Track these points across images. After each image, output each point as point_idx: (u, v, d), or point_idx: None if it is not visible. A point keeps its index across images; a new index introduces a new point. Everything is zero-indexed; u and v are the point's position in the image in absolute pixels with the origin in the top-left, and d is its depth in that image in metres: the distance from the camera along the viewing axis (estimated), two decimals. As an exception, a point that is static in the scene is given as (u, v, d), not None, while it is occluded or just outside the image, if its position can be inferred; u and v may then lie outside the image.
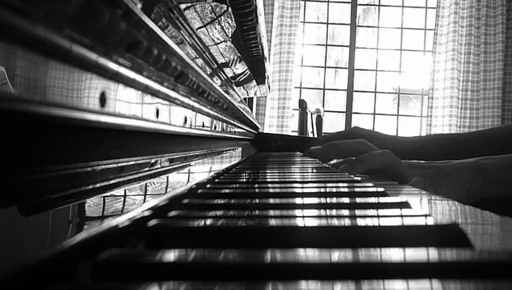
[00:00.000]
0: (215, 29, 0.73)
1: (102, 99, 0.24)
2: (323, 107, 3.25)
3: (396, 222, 0.26)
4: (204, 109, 0.56)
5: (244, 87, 1.37)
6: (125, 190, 0.30)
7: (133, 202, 0.30)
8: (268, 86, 1.78)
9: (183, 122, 0.46)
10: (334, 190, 0.44)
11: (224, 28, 0.79)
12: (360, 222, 0.26)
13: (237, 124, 1.00)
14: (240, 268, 0.18)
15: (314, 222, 0.26)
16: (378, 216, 0.28)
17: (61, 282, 0.17)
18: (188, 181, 0.48)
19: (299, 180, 0.55)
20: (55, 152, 0.22)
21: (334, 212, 0.30)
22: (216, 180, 0.55)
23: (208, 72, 0.66)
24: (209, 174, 0.57)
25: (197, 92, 0.50)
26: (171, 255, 0.19)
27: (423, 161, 0.75)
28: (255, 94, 1.84)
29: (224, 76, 0.87)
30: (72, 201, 0.23)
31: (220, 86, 0.68)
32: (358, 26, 4.69)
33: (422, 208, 0.39)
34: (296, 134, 2.82)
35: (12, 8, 0.15)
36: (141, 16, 0.28)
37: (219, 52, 0.80)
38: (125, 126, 0.29)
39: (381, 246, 0.20)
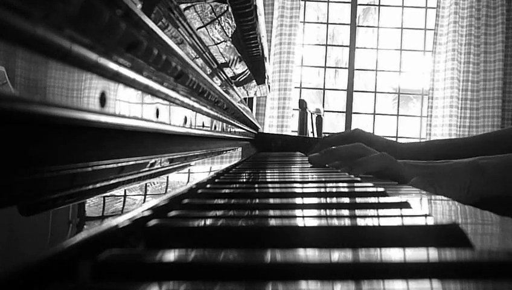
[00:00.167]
0: (215, 29, 0.73)
1: (102, 99, 0.24)
2: (323, 107, 3.25)
3: (396, 222, 0.26)
4: (204, 109, 0.56)
5: (244, 87, 1.37)
6: (125, 190, 0.30)
7: (133, 202, 0.30)
8: (268, 86, 1.78)
9: (183, 122, 0.46)
10: (334, 190, 0.44)
11: (224, 28, 0.79)
12: (360, 222, 0.26)
13: (237, 124, 1.00)
14: (240, 268, 0.18)
15: (314, 222, 0.26)
16: (378, 216, 0.28)
17: (61, 282, 0.17)
18: (188, 181, 0.48)
19: (299, 180, 0.55)
20: (55, 152, 0.22)
21: (334, 212, 0.30)
22: (216, 180, 0.55)
23: (208, 72, 0.66)
24: (209, 174, 0.57)
25: (197, 92, 0.50)
26: (171, 255, 0.19)
27: (421, 161, 0.76)
28: (255, 94, 1.84)
29: (224, 76, 0.87)
30: (72, 201, 0.23)
31: (220, 86, 0.68)
32: (358, 26, 4.69)
33: (422, 208, 0.39)
34: (296, 134, 2.82)
35: (12, 8, 0.15)
36: (141, 16, 0.28)
37: (219, 52, 0.80)
38: (125, 126, 0.29)
39: (381, 246, 0.20)
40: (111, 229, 0.23)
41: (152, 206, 0.30)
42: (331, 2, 3.81)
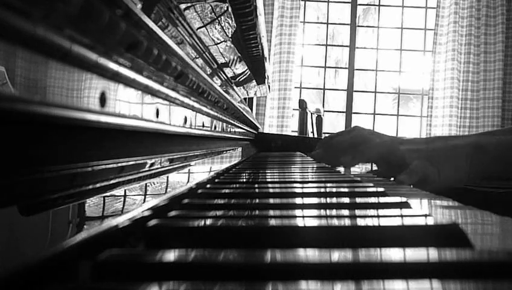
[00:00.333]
0: (215, 29, 0.73)
1: (102, 99, 0.24)
2: (323, 107, 3.26)
3: (396, 222, 0.26)
4: (204, 109, 0.56)
5: (244, 87, 1.37)
6: (125, 190, 0.30)
7: (133, 202, 0.30)
8: (268, 86, 1.78)
9: (183, 122, 0.46)
10: (334, 190, 0.44)
11: (224, 28, 0.79)
12: (360, 222, 0.26)
13: (237, 124, 1.00)
14: (240, 268, 0.18)
15: (314, 222, 0.26)
16: (378, 216, 0.28)
17: (61, 282, 0.17)
18: (188, 181, 0.48)
19: (299, 180, 0.55)
20: (55, 152, 0.22)
21: (334, 212, 0.30)
22: (216, 180, 0.55)
23: (208, 72, 0.66)
24: (209, 174, 0.57)
25: (197, 92, 0.50)
26: (171, 255, 0.19)
27: (420, 138, 0.75)
28: (255, 94, 1.84)
29: (224, 76, 0.87)
30: (72, 201, 0.23)
31: (220, 86, 0.68)
32: (358, 26, 4.69)
33: (422, 208, 0.39)
34: (296, 134, 2.82)
35: (12, 8, 0.15)
36: (141, 16, 0.28)
37: (219, 52, 0.80)
38: (125, 126, 0.29)
39: (381, 246, 0.20)
40: (111, 229, 0.23)
41: (152, 206, 0.30)
42: (331, 2, 3.81)
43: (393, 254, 0.18)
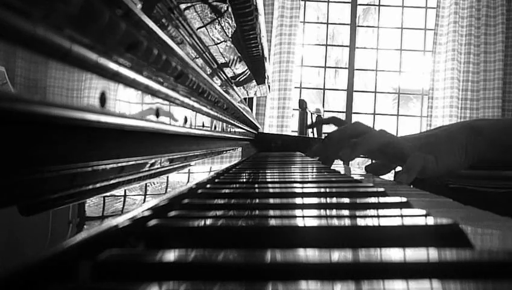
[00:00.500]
0: (215, 29, 0.73)
1: (102, 99, 0.24)
2: (323, 107, 3.26)
3: (396, 221, 0.26)
4: (204, 109, 0.56)
5: (244, 87, 1.37)
6: (125, 190, 0.30)
7: (133, 202, 0.30)
8: (268, 86, 1.78)
9: (183, 122, 0.46)
10: (334, 190, 0.44)
11: (224, 28, 0.79)
12: (360, 222, 0.26)
13: (237, 124, 1.00)
14: (240, 268, 0.18)
15: (314, 222, 0.26)
16: (378, 216, 0.28)
17: (61, 282, 0.17)
18: (188, 181, 0.48)
19: (299, 180, 0.55)
20: (55, 152, 0.22)
21: (334, 212, 0.30)
22: (216, 180, 0.55)
23: (208, 72, 0.66)
24: (209, 174, 0.57)
25: (197, 92, 0.50)
26: (171, 255, 0.19)
27: (419, 133, 0.75)
28: (255, 94, 1.84)
29: (224, 76, 0.87)
30: (72, 201, 0.23)
31: (220, 86, 0.68)
32: (358, 26, 4.69)
33: (422, 208, 0.39)
34: (296, 134, 2.82)
35: (12, 8, 0.15)
36: (141, 16, 0.28)
37: (219, 52, 0.80)
38: (125, 126, 0.29)
39: (381, 246, 0.20)
40: (111, 229, 0.23)
41: (152, 206, 0.30)
42: (331, 2, 3.81)
43: (393, 254, 0.18)
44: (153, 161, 0.38)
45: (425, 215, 0.27)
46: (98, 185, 0.26)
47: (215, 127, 0.69)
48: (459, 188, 0.86)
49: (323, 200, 0.37)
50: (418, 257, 0.18)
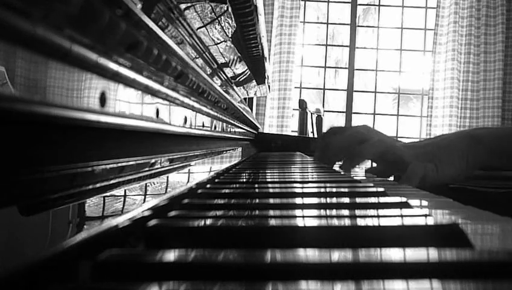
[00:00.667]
0: (215, 29, 0.73)
1: (102, 99, 0.24)
2: (323, 107, 3.25)
3: (396, 221, 0.26)
4: (204, 109, 0.56)
5: (244, 87, 1.37)
6: (125, 190, 0.30)
7: (133, 202, 0.30)
8: (268, 86, 1.78)
9: (183, 122, 0.46)
10: (334, 190, 0.44)
11: (224, 28, 0.79)
12: (360, 222, 0.26)
13: (237, 124, 1.00)
14: (240, 268, 0.18)
15: (314, 222, 0.26)
16: (378, 216, 0.28)
17: (61, 282, 0.17)
18: (188, 181, 0.48)
19: (299, 180, 0.55)
20: (55, 152, 0.22)
21: (334, 212, 0.30)
22: (216, 180, 0.55)
23: (208, 72, 0.66)
24: (209, 174, 0.57)
25: (197, 92, 0.50)
26: (171, 255, 0.19)
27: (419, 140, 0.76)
28: (255, 94, 1.84)
29: (224, 76, 0.87)
30: (72, 201, 0.23)
31: (220, 86, 0.68)
32: (358, 26, 4.69)
33: (422, 208, 0.39)
34: (296, 134, 2.82)
35: (12, 8, 0.15)
36: (141, 16, 0.28)
37: (219, 52, 0.80)
38: (125, 126, 0.29)
39: (381, 246, 0.20)
40: (111, 229, 0.23)
41: (152, 206, 0.30)
42: (331, 2, 3.81)
43: (394, 254, 0.18)
44: (153, 161, 0.38)
45: (425, 216, 0.27)
46: (98, 185, 0.26)
47: (215, 127, 0.69)
48: (459, 188, 0.86)
49: (323, 200, 0.37)
50: (418, 257, 0.18)
